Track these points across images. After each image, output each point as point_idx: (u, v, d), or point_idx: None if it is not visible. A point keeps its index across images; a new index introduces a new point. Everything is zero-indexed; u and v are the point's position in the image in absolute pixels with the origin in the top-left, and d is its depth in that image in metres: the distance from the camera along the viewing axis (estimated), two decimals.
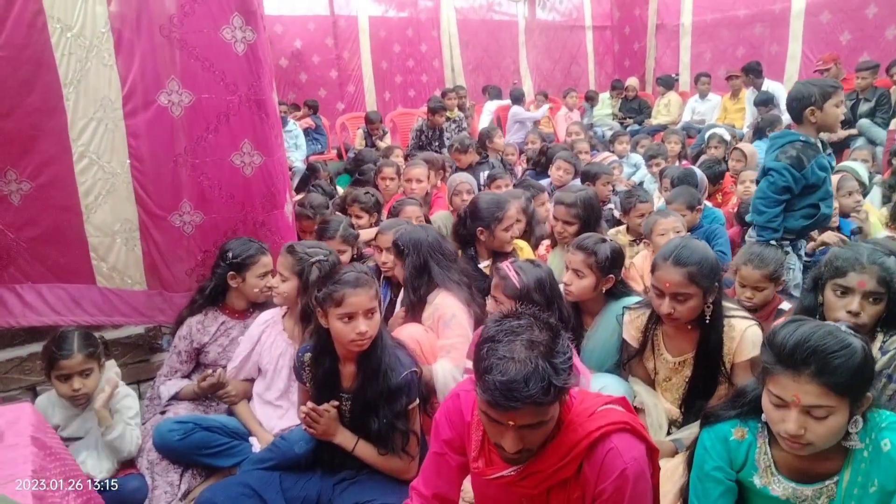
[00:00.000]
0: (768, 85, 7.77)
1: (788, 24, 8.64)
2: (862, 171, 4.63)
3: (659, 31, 10.93)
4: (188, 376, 2.85)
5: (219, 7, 2.79)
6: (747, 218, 3.42)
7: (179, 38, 2.77)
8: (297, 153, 7.31)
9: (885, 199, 4.75)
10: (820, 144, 3.19)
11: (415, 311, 2.75)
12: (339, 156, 8.45)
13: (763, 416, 1.52)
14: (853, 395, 1.39)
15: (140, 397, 2.83)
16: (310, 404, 2.16)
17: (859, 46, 8.02)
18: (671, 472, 1.92)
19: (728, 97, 8.39)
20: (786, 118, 5.71)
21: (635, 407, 2.26)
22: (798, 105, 3.14)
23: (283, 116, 7.05)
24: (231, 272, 2.81)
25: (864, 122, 6.52)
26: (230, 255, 2.81)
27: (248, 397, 2.73)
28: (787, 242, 3.20)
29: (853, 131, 6.59)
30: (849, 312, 2.03)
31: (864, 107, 6.66)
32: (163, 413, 2.66)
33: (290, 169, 6.62)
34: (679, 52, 10.42)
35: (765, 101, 7.37)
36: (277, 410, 2.64)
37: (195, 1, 2.75)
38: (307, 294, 2.51)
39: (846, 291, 2.05)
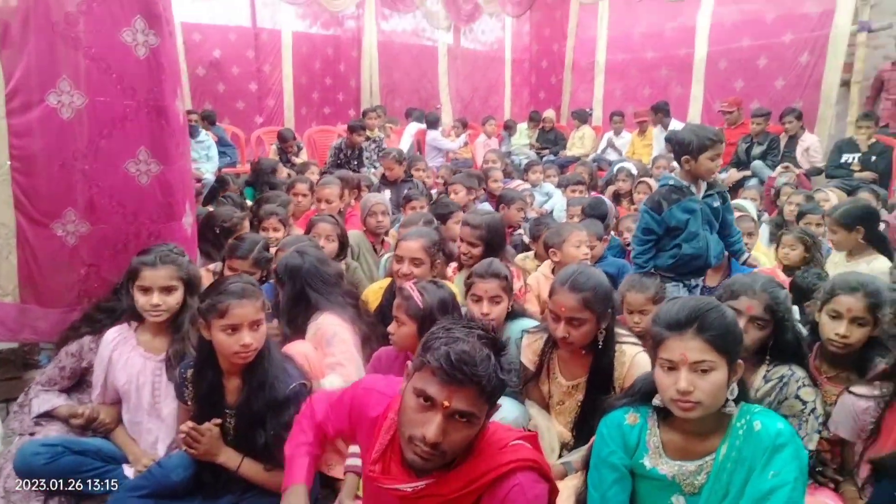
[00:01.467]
0: (674, 125, 8.22)
1: (692, 68, 9.18)
2: (751, 208, 4.96)
3: (574, 67, 11.36)
4: (67, 392, 2.62)
5: (120, 8, 2.68)
6: None
7: (75, 37, 2.62)
8: (208, 164, 7.08)
9: (772, 237, 5.09)
10: (703, 186, 3.30)
11: (291, 340, 2.66)
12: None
13: (654, 400, 1.67)
14: (729, 354, 1.60)
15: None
16: (189, 423, 2.06)
17: (752, 93, 8.62)
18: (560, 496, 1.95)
19: (636, 134, 8.84)
20: None
21: (528, 429, 2.28)
22: (678, 150, 3.29)
23: (194, 126, 6.83)
24: None
25: (757, 164, 7.11)
26: None
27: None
28: (669, 279, 3.26)
29: (747, 172, 7.14)
30: None
31: (757, 150, 7.24)
32: (32, 434, 2.43)
33: (200, 181, 6.41)
34: (593, 88, 10.87)
35: None
36: (149, 436, 2.44)
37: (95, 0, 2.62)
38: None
39: (735, 313, 2.16)
